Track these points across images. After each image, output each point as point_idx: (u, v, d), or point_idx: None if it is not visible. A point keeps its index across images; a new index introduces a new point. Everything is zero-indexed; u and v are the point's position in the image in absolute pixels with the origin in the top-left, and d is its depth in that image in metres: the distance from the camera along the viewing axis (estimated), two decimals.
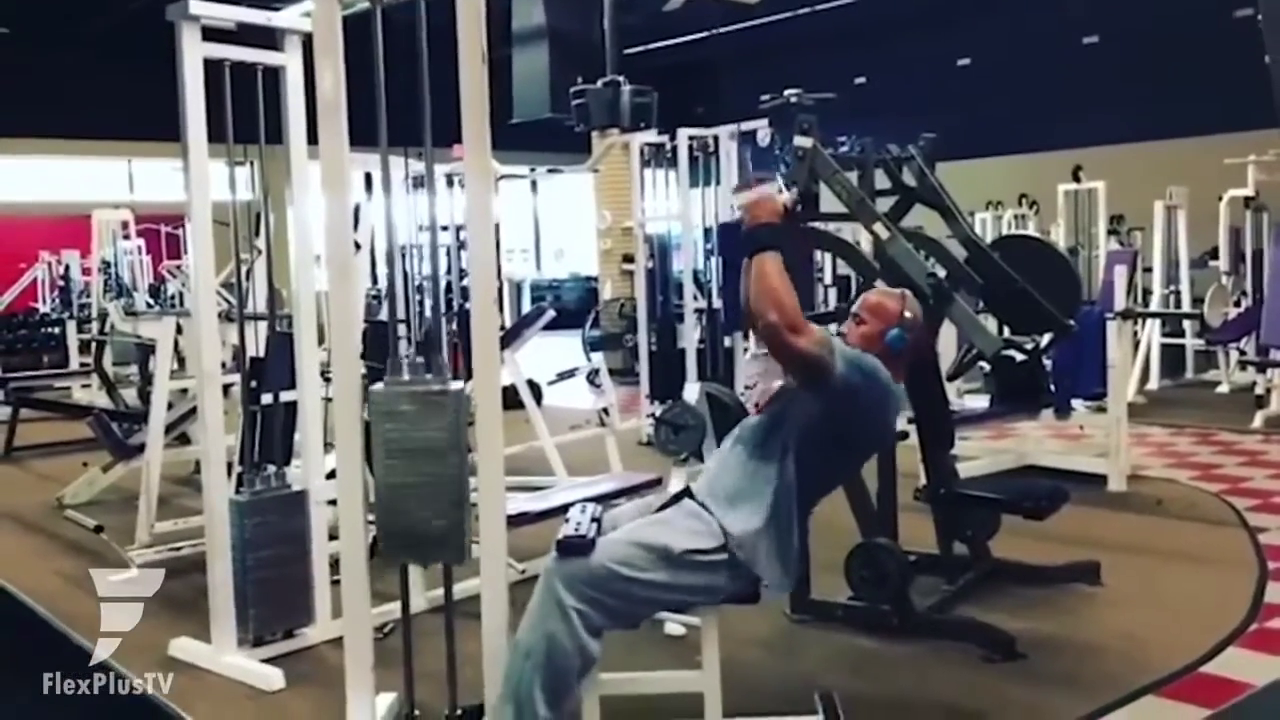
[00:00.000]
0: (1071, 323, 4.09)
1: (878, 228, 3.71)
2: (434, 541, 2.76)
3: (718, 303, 7.28)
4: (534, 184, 21.13)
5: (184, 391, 6.21)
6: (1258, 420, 7.61)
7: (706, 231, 7.64)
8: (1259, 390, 7.80)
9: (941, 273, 3.76)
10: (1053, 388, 5.83)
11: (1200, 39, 12.59)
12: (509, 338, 6.39)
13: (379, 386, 2.74)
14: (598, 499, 4.65)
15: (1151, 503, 5.46)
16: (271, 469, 3.73)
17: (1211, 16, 12.22)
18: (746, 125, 7.15)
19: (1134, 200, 8.72)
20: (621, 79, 11.33)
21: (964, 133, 12.23)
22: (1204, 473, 6.19)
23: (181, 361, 6.56)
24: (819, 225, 4.06)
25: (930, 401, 4.03)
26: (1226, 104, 11.67)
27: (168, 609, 3.89)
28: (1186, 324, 9.55)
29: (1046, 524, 4.05)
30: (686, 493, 2.96)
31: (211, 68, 3.46)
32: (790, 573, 2.82)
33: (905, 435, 4.80)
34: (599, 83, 11.48)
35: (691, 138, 7.35)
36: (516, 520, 3.49)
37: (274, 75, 3.66)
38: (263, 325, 4.05)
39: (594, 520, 2.84)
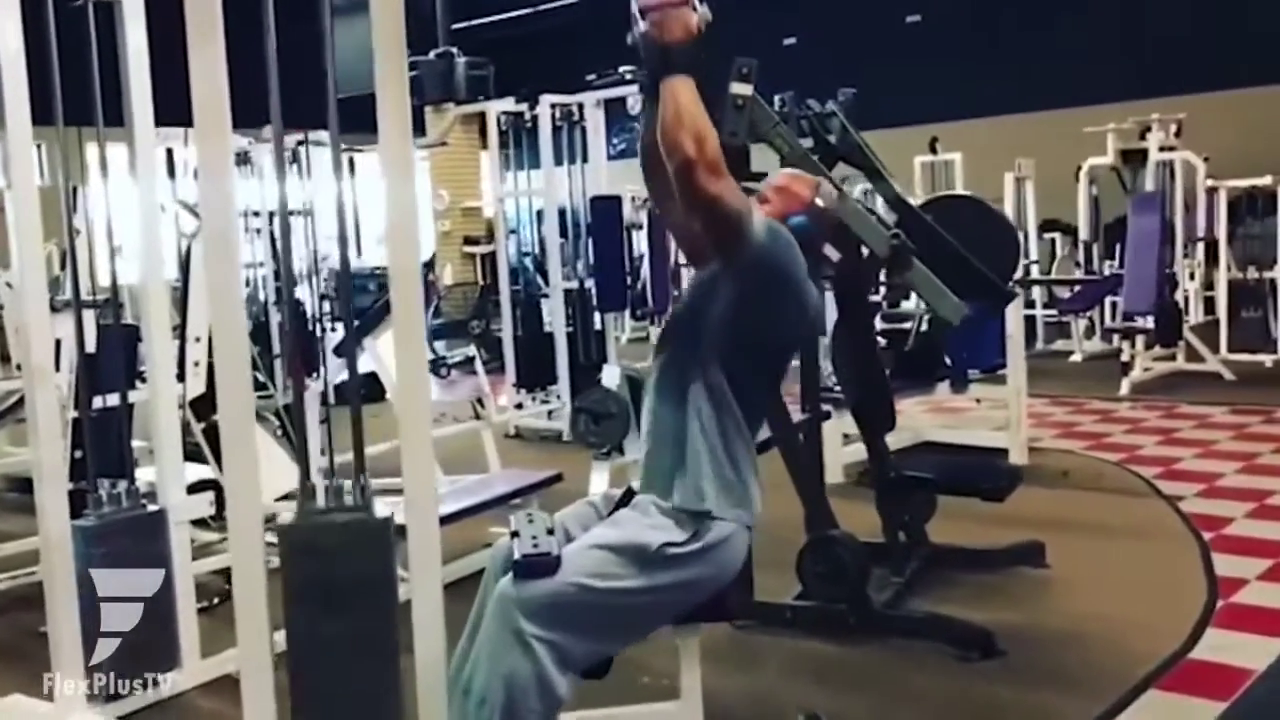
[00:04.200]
0: (1011, 289, 3.82)
1: (823, 184, 3.31)
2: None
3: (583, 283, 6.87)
4: (351, 163, 20.11)
5: None
6: (1124, 387, 7.65)
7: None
8: (1124, 358, 7.85)
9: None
10: (948, 360, 5.63)
11: (1050, 14, 12.80)
12: (368, 324, 5.78)
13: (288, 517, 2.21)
14: (494, 501, 4.19)
15: (1058, 475, 5.29)
16: (123, 485, 3.09)
17: None
18: (614, 91, 6.70)
19: (994, 172, 8.69)
20: (455, 50, 10.72)
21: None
22: (1096, 442, 6.10)
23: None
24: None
25: (869, 375, 3.70)
26: (1082, 77, 11.95)
27: None
28: (1036, 294, 9.63)
29: (965, 503, 3.82)
30: (631, 490, 2.51)
31: None
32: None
33: (828, 415, 4.46)
34: (431, 54, 10.86)
35: (555, 105, 6.85)
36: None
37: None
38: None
39: (550, 531, 2.37)
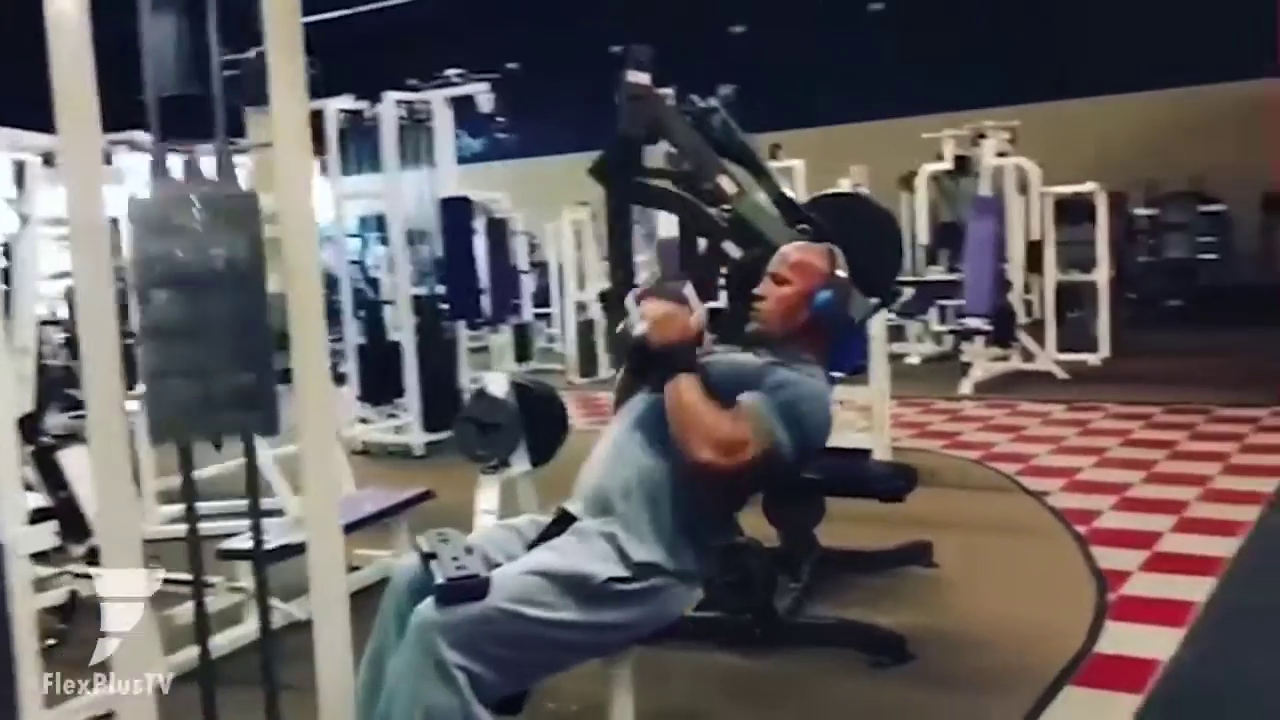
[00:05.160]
0: (897, 288, 3.77)
1: (723, 181, 3.20)
2: (232, 404, 1.94)
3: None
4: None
5: None
6: (966, 387, 7.83)
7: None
8: (965, 358, 8.04)
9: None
10: None
11: (890, 27, 13.11)
12: None
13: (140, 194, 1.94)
14: (362, 522, 3.90)
15: (927, 474, 5.30)
16: None
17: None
18: (463, 90, 6.44)
19: (832, 179, 8.80)
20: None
21: None
22: (951, 441, 6.19)
23: None
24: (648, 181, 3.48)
25: None
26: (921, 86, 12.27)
27: None
28: None
29: (842, 504, 3.75)
30: (567, 515, 2.32)
31: None
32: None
33: None
34: (252, 52, 10.34)
35: (400, 103, 6.53)
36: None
37: None
38: None
39: (469, 550, 2.16)
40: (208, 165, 2.02)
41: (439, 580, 2.03)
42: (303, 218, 2.08)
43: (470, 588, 2.03)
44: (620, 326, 2.43)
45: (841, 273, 2.55)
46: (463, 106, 6.39)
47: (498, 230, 7.91)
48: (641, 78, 3.17)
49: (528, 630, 2.05)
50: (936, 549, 3.96)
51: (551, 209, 12.56)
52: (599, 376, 9.15)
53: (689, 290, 2.44)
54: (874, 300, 3.43)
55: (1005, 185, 8.24)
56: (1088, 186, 8.68)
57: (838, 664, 3.10)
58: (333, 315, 7.23)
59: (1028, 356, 8.45)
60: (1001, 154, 8.24)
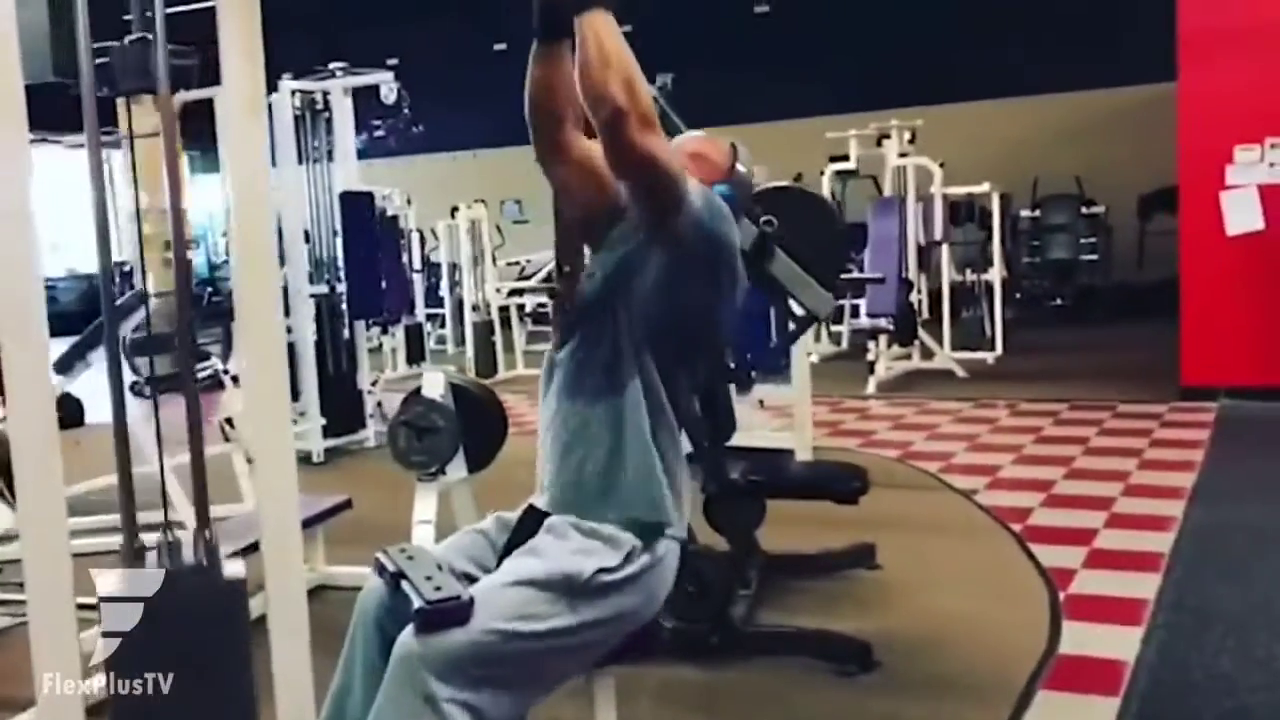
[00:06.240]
0: (840, 285, 3.68)
1: None
2: None
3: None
4: None
5: None
6: (871, 386, 7.85)
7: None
8: (870, 357, 8.06)
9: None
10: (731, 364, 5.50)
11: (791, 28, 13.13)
12: (90, 341, 5.01)
13: None
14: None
15: None
16: None
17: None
18: (365, 79, 6.16)
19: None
20: (152, 35, 9.71)
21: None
22: (867, 439, 6.17)
23: None
24: None
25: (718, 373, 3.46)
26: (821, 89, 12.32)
27: None
28: None
29: (771, 506, 3.66)
30: (536, 511, 2.13)
31: None
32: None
33: None
34: (126, 40, 9.81)
35: (296, 93, 6.22)
36: None
37: None
38: None
39: (439, 567, 1.96)
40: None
41: (416, 605, 1.84)
42: (256, 204, 1.86)
43: (453, 611, 1.84)
44: None
45: (742, 168, 2.36)
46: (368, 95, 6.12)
47: (390, 228, 7.65)
48: None
49: (523, 647, 1.87)
50: (879, 551, 3.89)
51: (441, 207, 12.27)
52: (499, 377, 8.92)
53: None
54: (829, 294, 3.33)
55: (907, 186, 8.29)
56: (984, 187, 8.80)
57: (800, 673, 2.98)
58: (215, 314, 6.90)
59: (927, 355, 8.52)
60: (903, 154, 8.29)
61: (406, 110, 5.83)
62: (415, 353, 9.45)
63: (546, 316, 10.84)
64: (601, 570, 1.94)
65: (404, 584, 1.91)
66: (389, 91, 5.98)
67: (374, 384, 6.87)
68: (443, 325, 12.20)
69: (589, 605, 1.93)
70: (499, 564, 2.04)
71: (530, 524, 2.09)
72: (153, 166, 7.45)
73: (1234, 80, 6.41)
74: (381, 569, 1.99)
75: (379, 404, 6.91)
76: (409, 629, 1.83)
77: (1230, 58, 6.42)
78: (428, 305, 11.63)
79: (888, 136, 8.24)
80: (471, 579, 1.99)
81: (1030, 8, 12.07)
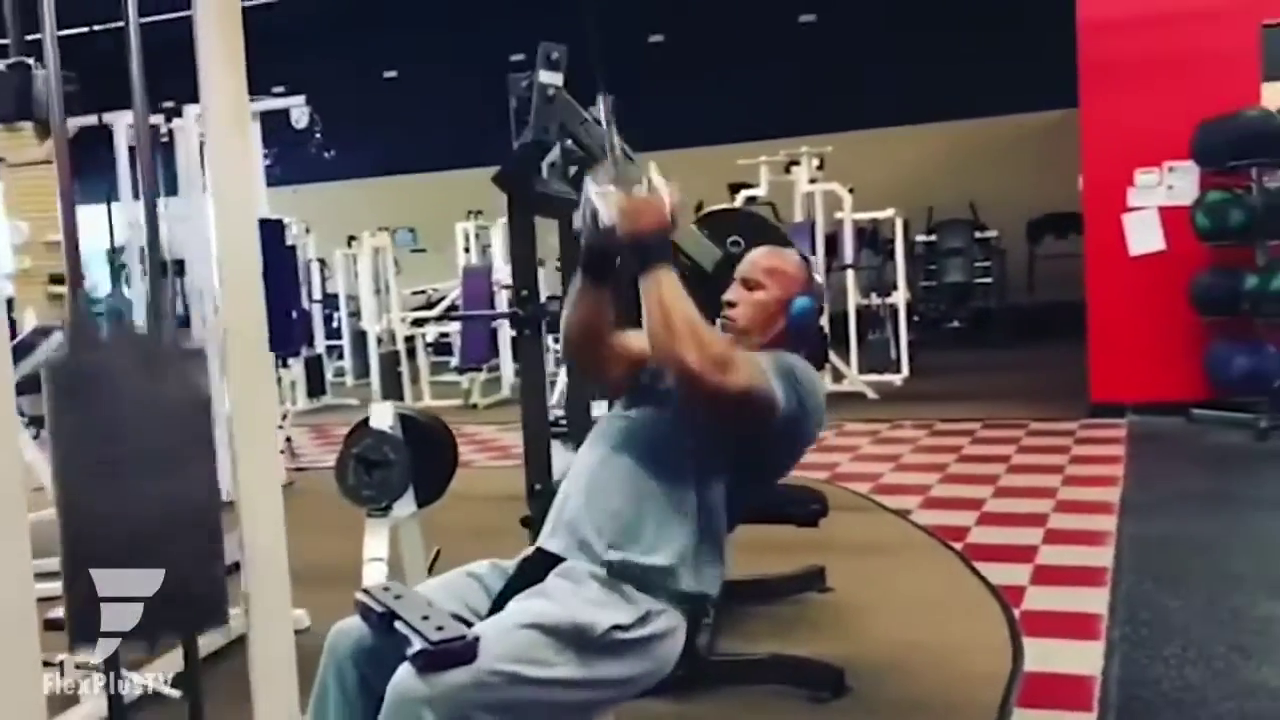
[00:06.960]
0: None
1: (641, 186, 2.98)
2: (178, 602, 1.69)
3: None
4: None
5: None
6: None
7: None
8: None
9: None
10: None
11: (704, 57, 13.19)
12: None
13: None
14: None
15: None
16: None
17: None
18: (275, 104, 5.97)
19: None
20: (32, 60, 9.33)
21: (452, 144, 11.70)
22: None
23: None
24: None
25: None
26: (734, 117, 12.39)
27: None
28: None
29: None
30: (547, 554, 2.05)
31: None
32: None
33: None
34: (2, 65, 9.39)
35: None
36: None
37: None
38: None
39: (429, 605, 1.86)
40: None
41: (417, 646, 1.73)
42: (243, 224, 1.81)
43: (459, 651, 1.74)
44: (574, 222, 2.16)
45: (818, 279, 2.39)
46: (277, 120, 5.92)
47: (289, 258, 7.42)
48: (554, 78, 2.93)
49: (525, 695, 1.78)
50: (826, 573, 3.86)
51: (333, 236, 12.01)
52: None
53: (655, 174, 2.19)
54: None
55: (816, 211, 8.38)
56: (888, 213, 8.94)
57: (771, 700, 2.93)
58: None
59: (838, 378, 8.59)
60: (813, 180, 8.37)
61: (318, 134, 5.65)
62: (316, 385, 9.21)
63: (449, 347, 10.66)
64: (616, 627, 1.88)
65: (398, 625, 1.81)
66: (300, 115, 5.80)
67: (283, 418, 6.63)
68: (340, 357, 11.92)
69: (599, 661, 1.86)
70: (492, 610, 1.95)
71: (538, 567, 2.01)
72: (33, 197, 7.06)
73: (1133, 107, 6.63)
74: (367, 610, 1.88)
75: (288, 439, 6.68)
76: (406, 669, 1.73)
77: (1130, 85, 6.64)
78: (325, 337, 11.36)
79: (797, 163, 8.32)
80: (464, 622, 1.89)
81: (936, 36, 12.37)
